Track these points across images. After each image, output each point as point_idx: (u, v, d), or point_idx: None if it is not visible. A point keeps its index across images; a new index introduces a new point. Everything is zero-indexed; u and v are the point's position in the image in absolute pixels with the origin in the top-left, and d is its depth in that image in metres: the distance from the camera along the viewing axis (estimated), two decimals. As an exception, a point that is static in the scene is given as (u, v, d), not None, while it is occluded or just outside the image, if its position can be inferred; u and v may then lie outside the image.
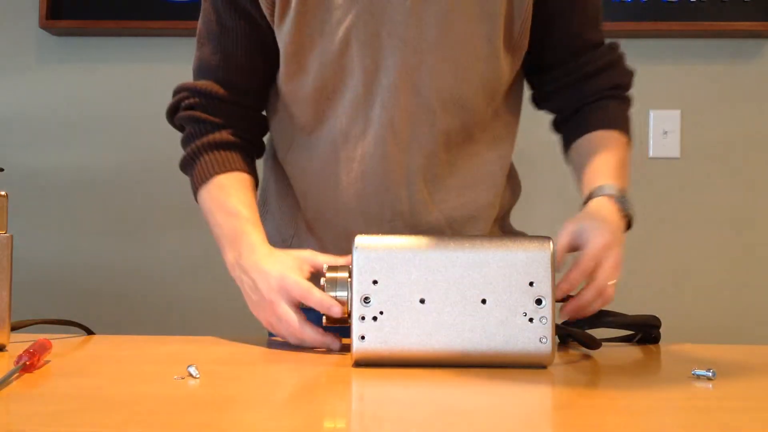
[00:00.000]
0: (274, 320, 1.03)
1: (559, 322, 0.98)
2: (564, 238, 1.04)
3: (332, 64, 1.11)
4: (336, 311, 0.96)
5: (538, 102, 1.28)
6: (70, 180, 2.40)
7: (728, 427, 0.64)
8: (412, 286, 0.87)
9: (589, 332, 1.01)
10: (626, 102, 1.25)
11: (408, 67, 1.11)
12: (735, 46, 2.33)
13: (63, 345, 1.04)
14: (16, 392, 0.75)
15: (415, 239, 0.90)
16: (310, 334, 1.00)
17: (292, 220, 1.26)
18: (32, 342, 0.89)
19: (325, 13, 1.10)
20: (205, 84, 1.19)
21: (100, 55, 2.41)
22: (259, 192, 1.28)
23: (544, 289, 0.87)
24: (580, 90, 1.22)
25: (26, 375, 0.82)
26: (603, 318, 1.05)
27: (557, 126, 1.28)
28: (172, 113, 1.22)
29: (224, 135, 1.18)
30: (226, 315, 2.35)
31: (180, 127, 1.23)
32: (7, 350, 0.97)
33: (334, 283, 0.97)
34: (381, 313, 0.87)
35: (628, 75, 1.25)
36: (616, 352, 1.05)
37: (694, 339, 2.23)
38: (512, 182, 1.30)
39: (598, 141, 1.20)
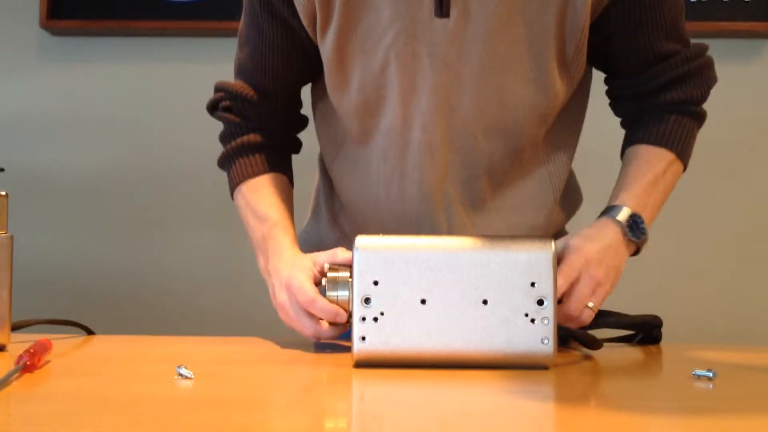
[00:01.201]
0: (288, 321, 1.03)
1: None
2: None
3: (373, 81, 1.09)
4: (342, 318, 0.97)
5: (612, 105, 1.23)
6: (70, 180, 2.40)
7: (729, 427, 0.64)
8: (413, 286, 0.87)
9: (590, 332, 1.01)
10: (692, 117, 1.18)
11: (447, 90, 1.08)
12: (735, 45, 2.33)
13: (63, 345, 1.04)
14: (17, 392, 0.74)
15: (416, 239, 0.89)
16: (326, 331, 1.00)
17: (336, 225, 1.26)
18: (33, 342, 0.89)
19: (367, 29, 1.07)
20: (240, 87, 1.20)
21: (100, 55, 2.41)
22: (313, 194, 1.31)
23: (546, 289, 0.87)
24: (643, 102, 1.17)
25: (26, 375, 0.82)
26: (603, 318, 1.05)
27: (624, 127, 1.23)
28: (212, 109, 1.24)
29: (257, 137, 1.20)
30: (227, 315, 2.35)
31: (219, 120, 1.25)
32: (7, 350, 0.97)
33: (335, 284, 0.97)
34: (382, 313, 0.87)
35: (702, 88, 1.18)
36: (617, 353, 1.05)
37: (694, 339, 2.23)
38: (569, 195, 1.24)
39: (639, 155, 1.14)
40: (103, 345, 1.07)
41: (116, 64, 2.40)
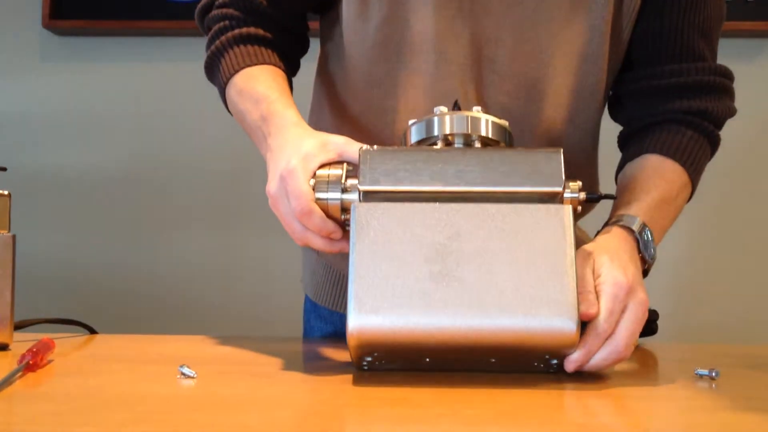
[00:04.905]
0: (277, 214, 0.89)
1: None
2: (589, 277, 0.83)
3: (395, 18, 0.98)
4: (337, 236, 0.86)
5: (612, 107, 1.11)
6: (73, 179, 2.40)
7: (731, 427, 0.64)
8: (413, 354, 0.81)
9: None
10: (708, 139, 1.04)
11: (486, 41, 0.98)
12: (735, 46, 2.33)
13: (66, 344, 1.04)
14: (19, 392, 0.75)
15: (422, 312, 0.77)
16: (315, 243, 0.87)
17: (341, 117, 1.10)
18: (35, 341, 0.89)
19: None
20: None
21: (103, 55, 2.41)
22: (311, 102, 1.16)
23: (565, 359, 0.81)
24: (657, 103, 1.04)
25: (29, 374, 0.82)
26: None
27: (622, 143, 1.10)
28: (203, 13, 1.08)
29: (259, 30, 1.03)
30: (229, 314, 2.35)
31: (207, 29, 1.07)
32: (10, 349, 0.97)
33: (324, 184, 0.84)
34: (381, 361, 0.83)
35: (723, 108, 1.05)
36: (619, 352, 1.04)
37: (696, 338, 2.23)
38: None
39: (649, 166, 1.00)
40: (105, 344, 1.07)
41: (119, 64, 2.41)
